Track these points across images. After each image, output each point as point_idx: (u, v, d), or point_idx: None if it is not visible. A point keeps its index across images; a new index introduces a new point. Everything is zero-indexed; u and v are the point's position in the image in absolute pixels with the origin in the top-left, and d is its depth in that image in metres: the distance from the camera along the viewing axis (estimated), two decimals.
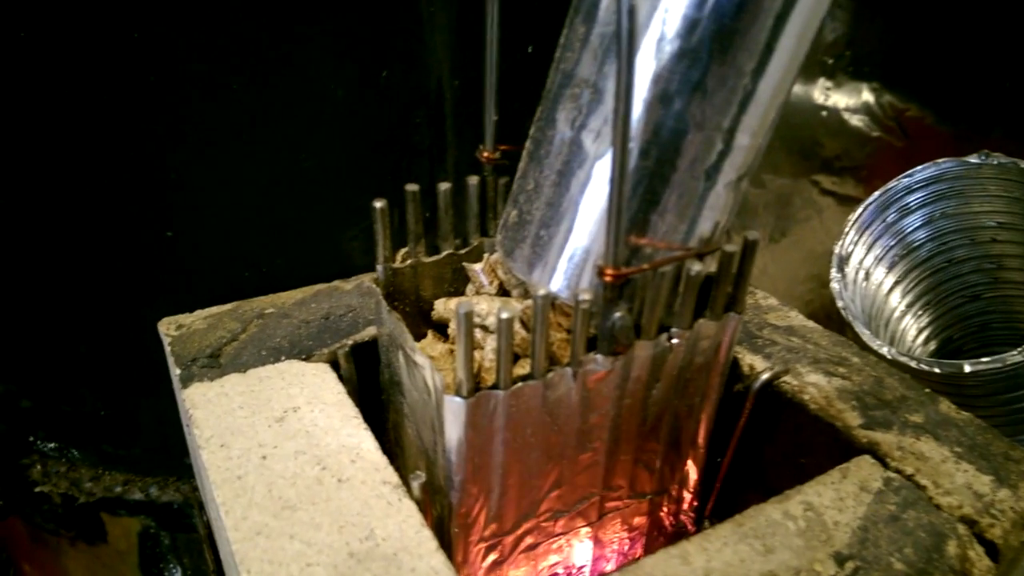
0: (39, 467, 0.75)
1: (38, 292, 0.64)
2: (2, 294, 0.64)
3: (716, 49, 0.40)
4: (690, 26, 0.40)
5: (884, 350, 0.84)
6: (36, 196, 0.59)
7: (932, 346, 1.16)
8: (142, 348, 0.66)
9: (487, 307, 0.51)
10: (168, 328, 0.57)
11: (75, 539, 0.82)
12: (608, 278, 0.42)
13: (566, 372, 0.45)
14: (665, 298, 0.46)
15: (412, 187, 0.50)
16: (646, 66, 0.41)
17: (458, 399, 0.42)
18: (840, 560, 0.43)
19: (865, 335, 0.86)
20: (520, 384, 0.43)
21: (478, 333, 0.52)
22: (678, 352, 0.49)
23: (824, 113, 1.58)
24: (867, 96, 1.63)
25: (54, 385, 0.70)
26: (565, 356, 0.48)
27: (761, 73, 0.42)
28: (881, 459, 0.51)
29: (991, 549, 0.46)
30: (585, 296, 0.42)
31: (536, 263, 0.48)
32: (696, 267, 0.45)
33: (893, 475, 0.50)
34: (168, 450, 0.73)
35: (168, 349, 0.55)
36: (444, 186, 0.52)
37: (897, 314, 1.07)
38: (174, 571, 0.82)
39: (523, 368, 0.45)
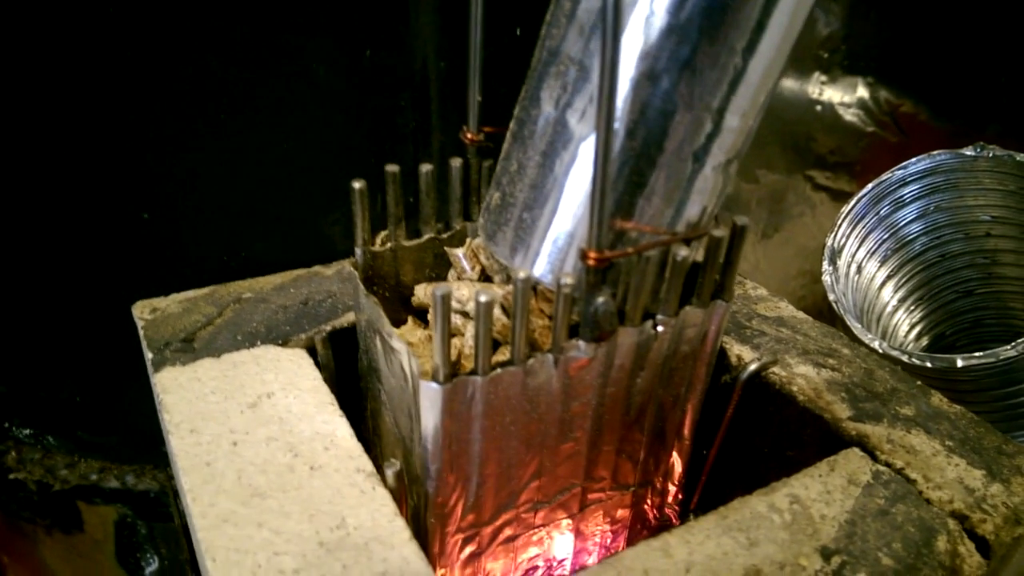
0: (14, 454, 0.73)
1: (11, 276, 0.62)
2: None
3: (706, 26, 0.39)
4: (679, 1, 0.38)
5: (875, 344, 0.82)
6: (12, 176, 0.57)
7: (924, 342, 1.14)
8: (118, 333, 0.64)
9: (468, 293, 0.50)
10: (142, 312, 0.56)
11: (51, 528, 0.80)
12: (591, 262, 0.41)
13: (547, 359, 0.44)
14: (650, 284, 0.44)
15: (392, 168, 0.49)
16: (633, 43, 0.39)
17: (434, 385, 0.40)
18: (826, 554, 0.42)
19: (856, 329, 0.85)
20: (499, 370, 0.42)
21: (458, 320, 0.50)
22: (663, 340, 0.48)
23: (819, 108, 1.57)
24: (862, 91, 1.62)
25: (29, 371, 0.68)
26: (547, 344, 0.46)
27: (752, 52, 0.40)
28: (870, 452, 0.50)
29: (982, 545, 0.45)
30: (567, 280, 0.41)
31: (519, 247, 0.46)
32: (683, 252, 0.44)
33: (882, 468, 0.48)
34: (145, 438, 0.71)
35: (141, 333, 0.54)
36: (426, 167, 0.51)
37: (889, 309, 1.06)
38: (151, 561, 0.81)
39: (504, 355, 0.44)
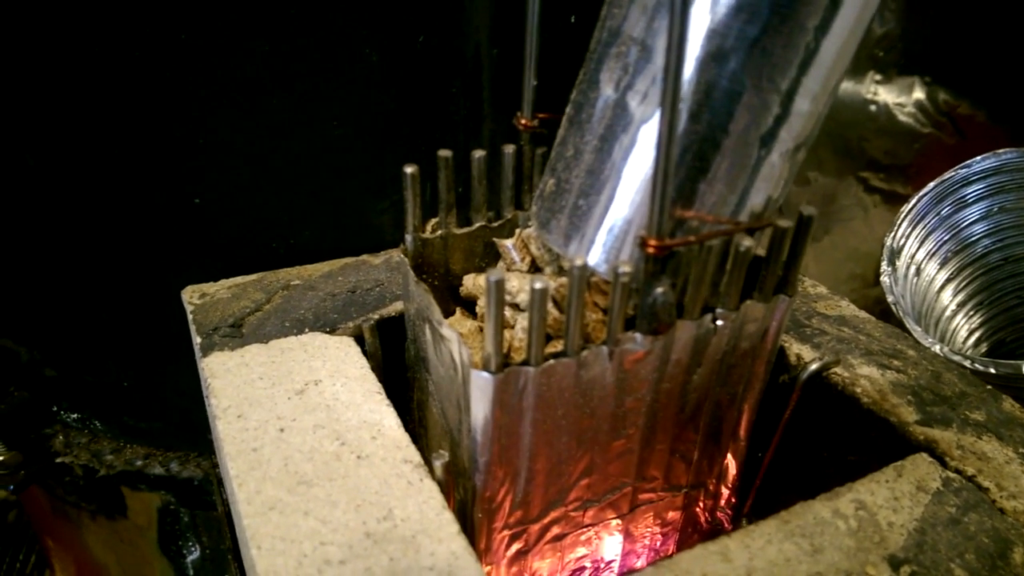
0: (61, 437, 0.74)
1: (63, 259, 0.63)
2: (27, 262, 0.63)
3: (777, 3, 0.37)
4: None
5: (936, 348, 0.79)
6: (63, 159, 0.58)
7: (983, 348, 1.10)
8: (167, 318, 0.64)
9: (518, 284, 0.48)
10: (191, 296, 0.56)
11: (95, 513, 0.81)
12: (651, 250, 0.39)
13: (601, 351, 0.42)
14: (711, 275, 0.42)
15: (445, 153, 0.48)
16: (700, 20, 0.38)
17: (486, 374, 0.39)
18: (895, 564, 0.40)
19: (916, 332, 0.82)
20: (552, 361, 0.41)
21: (508, 311, 0.49)
22: (722, 335, 0.46)
23: (873, 108, 1.53)
24: (918, 91, 1.58)
25: (78, 354, 0.69)
26: (599, 340, 0.45)
27: (825, 31, 0.38)
28: (939, 458, 0.47)
29: None
30: (625, 268, 0.39)
31: (573, 235, 0.45)
32: (746, 242, 0.42)
33: (952, 475, 0.46)
34: (190, 425, 0.71)
35: (190, 318, 0.54)
36: (479, 153, 0.49)
37: (948, 313, 1.02)
38: (193, 549, 0.81)
39: (555, 348, 0.43)
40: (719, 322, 0.45)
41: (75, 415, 0.73)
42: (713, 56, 0.38)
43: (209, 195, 0.60)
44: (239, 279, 0.58)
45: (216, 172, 0.59)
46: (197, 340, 0.51)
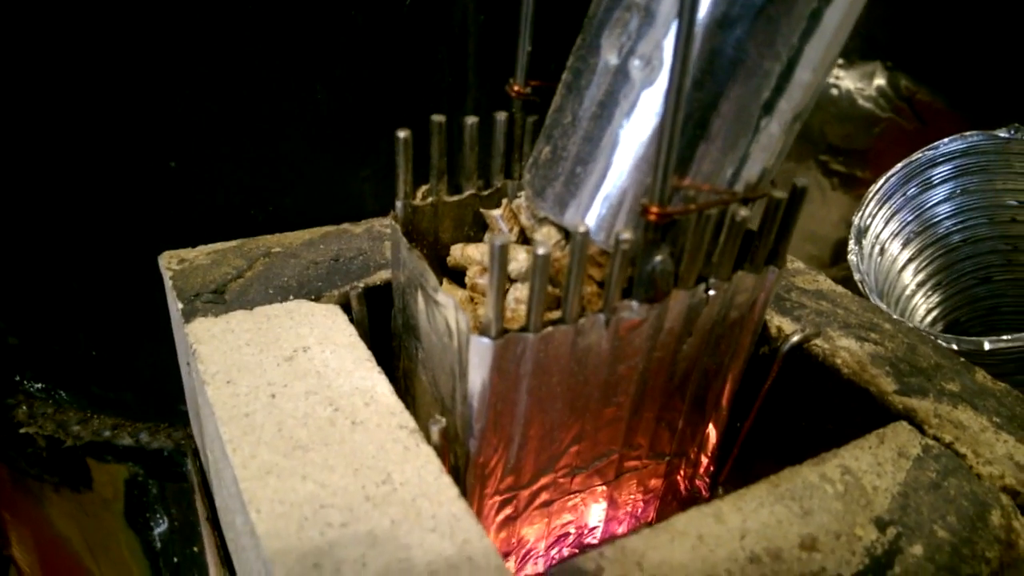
0: (25, 408, 0.71)
1: (28, 223, 0.60)
2: None
3: None
4: None
5: (895, 318, 0.81)
6: (29, 119, 0.55)
7: (939, 327, 1.14)
8: (139, 285, 0.63)
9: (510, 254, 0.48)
10: (169, 262, 0.54)
11: (59, 485, 0.79)
12: (653, 217, 0.39)
13: (599, 318, 0.42)
14: (707, 245, 0.43)
15: (438, 118, 0.47)
16: None
17: (486, 340, 0.39)
18: (881, 525, 0.41)
19: (883, 309, 0.84)
20: (551, 328, 0.41)
21: None
22: (713, 305, 0.46)
23: (834, 92, 1.55)
24: (879, 78, 1.60)
25: (44, 323, 0.67)
26: (593, 310, 0.45)
27: (829, 1, 0.38)
28: (918, 426, 0.49)
29: None
30: (627, 236, 0.39)
31: (569, 202, 0.45)
32: (743, 212, 0.42)
33: (931, 442, 0.47)
34: (161, 395, 0.70)
35: (169, 283, 0.52)
36: (471, 120, 0.49)
37: (908, 292, 1.05)
38: (161, 521, 0.79)
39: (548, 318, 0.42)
40: (711, 292, 0.46)
41: (39, 385, 0.71)
42: (719, 23, 0.38)
43: (185, 159, 0.58)
44: (218, 245, 0.57)
45: (193, 135, 0.57)
46: (178, 306, 0.50)
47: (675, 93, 0.36)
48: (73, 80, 0.54)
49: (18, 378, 0.71)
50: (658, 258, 0.41)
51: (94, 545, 0.83)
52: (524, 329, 0.40)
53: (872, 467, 0.45)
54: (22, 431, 0.70)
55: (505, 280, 0.38)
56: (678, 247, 0.43)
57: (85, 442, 0.70)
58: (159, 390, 0.70)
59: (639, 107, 0.41)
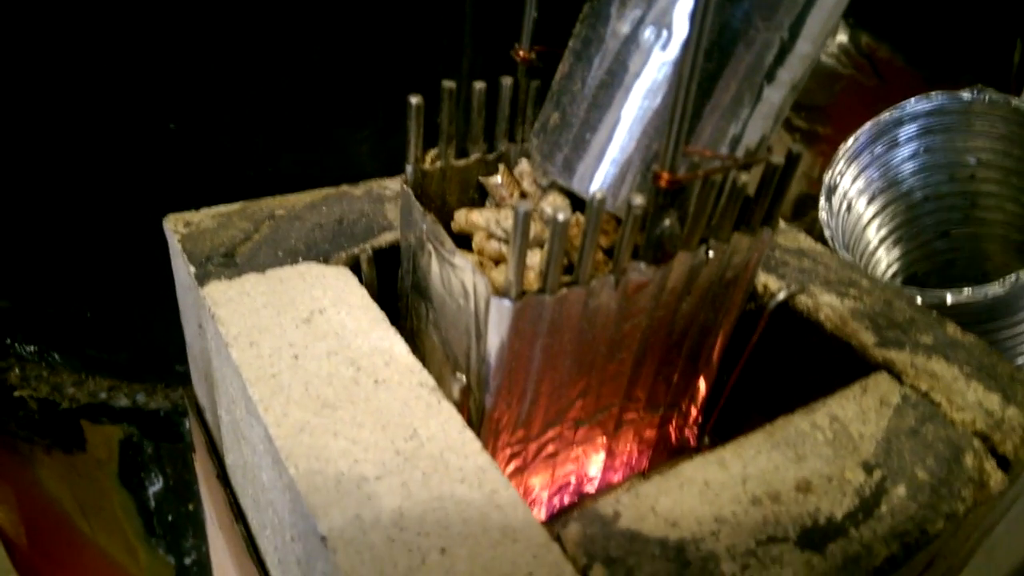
0: (17, 371, 0.71)
1: (18, 183, 0.60)
2: None
3: None
4: None
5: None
6: (23, 78, 0.55)
7: (899, 280, 1.19)
8: (135, 247, 0.63)
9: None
10: (176, 225, 0.55)
11: (51, 447, 0.79)
12: (664, 183, 0.41)
13: (608, 279, 0.44)
14: (710, 208, 0.45)
15: (449, 84, 0.48)
16: None
17: (507, 302, 0.41)
18: (868, 468, 0.44)
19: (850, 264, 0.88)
20: (565, 290, 0.43)
21: (498, 246, 0.51)
22: (712, 266, 0.49)
23: None
24: (841, 35, 1.63)
25: (37, 285, 0.66)
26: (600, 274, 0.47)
27: None
28: (897, 376, 0.52)
29: (1003, 462, 0.48)
30: (638, 201, 0.41)
31: (577, 167, 0.47)
32: (743, 178, 0.45)
33: (909, 391, 0.51)
34: (157, 356, 0.70)
35: (178, 247, 0.53)
36: (479, 85, 0.50)
37: (872, 247, 1.10)
38: (156, 481, 0.80)
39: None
40: (711, 253, 0.48)
41: (32, 347, 0.71)
42: None
43: (184, 120, 0.58)
44: (221, 208, 0.57)
45: (192, 97, 0.57)
46: (191, 269, 0.51)
47: (690, 64, 0.37)
48: (70, 42, 0.53)
49: (8, 341, 0.71)
50: (666, 222, 0.43)
51: (86, 505, 0.83)
52: (541, 291, 0.42)
53: (857, 415, 0.48)
54: (16, 394, 0.71)
55: (526, 245, 0.39)
56: (683, 211, 0.45)
57: (82, 404, 0.71)
58: (155, 351, 0.70)
59: (649, 75, 0.43)
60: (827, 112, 1.64)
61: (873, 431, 0.47)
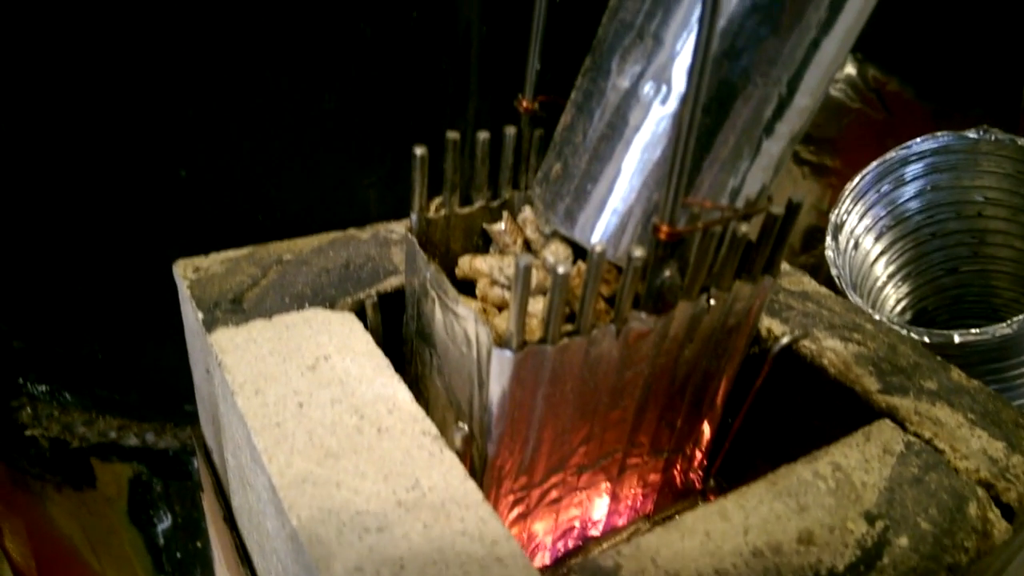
0: (28, 410, 0.72)
1: (33, 227, 0.61)
2: None
3: (789, 4, 0.40)
4: None
5: (876, 318, 0.85)
6: (38, 123, 0.56)
7: (908, 316, 1.19)
8: (145, 290, 0.64)
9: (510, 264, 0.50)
10: (185, 271, 0.56)
11: (61, 484, 0.80)
12: (663, 236, 0.42)
13: (610, 329, 0.45)
14: (711, 259, 0.46)
15: (453, 135, 0.49)
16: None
17: (508, 352, 0.41)
18: (870, 519, 0.44)
19: (858, 303, 0.88)
20: (566, 340, 0.43)
21: (507, 294, 0.51)
22: (714, 313, 0.49)
23: None
24: (849, 68, 1.65)
25: (49, 326, 0.67)
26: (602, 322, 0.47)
27: (828, 31, 0.41)
28: (900, 423, 0.52)
29: (1007, 512, 0.47)
30: (638, 253, 0.42)
31: (579, 217, 0.47)
32: (743, 228, 0.45)
33: (913, 439, 0.51)
34: (166, 395, 0.71)
35: (187, 292, 0.54)
36: (483, 135, 0.51)
37: (880, 283, 1.10)
38: (164, 518, 0.81)
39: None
40: (712, 301, 0.48)
41: (43, 387, 0.72)
42: (726, 54, 0.41)
43: (196, 167, 0.59)
44: (230, 253, 0.58)
45: (204, 144, 0.58)
46: (199, 315, 0.51)
47: (689, 119, 0.38)
48: (85, 88, 0.55)
49: (21, 380, 0.72)
50: (667, 273, 0.44)
51: (96, 541, 0.84)
52: (542, 341, 0.42)
53: (860, 464, 0.48)
54: (27, 433, 0.71)
55: (528, 297, 0.40)
56: (684, 261, 0.46)
57: (92, 443, 0.71)
58: (164, 390, 0.71)
59: (649, 129, 0.44)
60: (835, 144, 1.65)
61: (876, 480, 0.47)
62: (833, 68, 0.44)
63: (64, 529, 0.87)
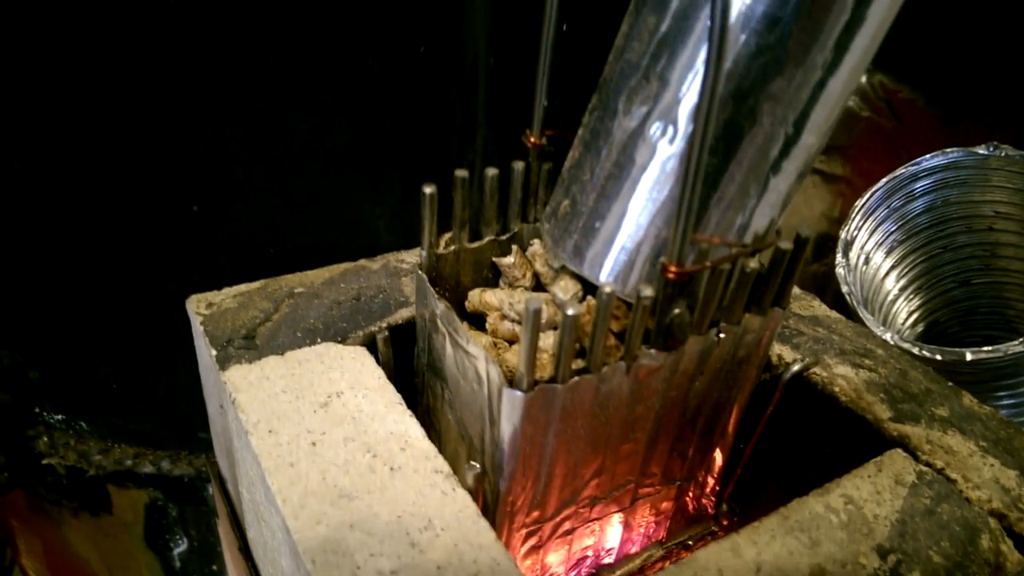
0: (45, 439, 0.73)
1: (49, 260, 0.62)
2: (12, 262, 0.62)
3: (795, 47, 0.40)
4: (770, 23, 0.39)
5: (887, 336, 0.85)
6: (54, 162, 0.57)
7: (920, 328, 1.18)
8: (158, 321, 0.65)
9: (521, 300, 0.51)
10: (198, 306, 0.56)
11: (78, 510, 0.81)
12: (672, 275, 0.42)
13: (620, 366, 0.45)
14: (720, 295, 0.46)
15: (462, 173, 0.49)
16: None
17: (518, 393, 0.42)
18: (883, 553, 0.44)
19: (869, 321, 0.88)
20: (577, 378, 0.43)
21: (512, 327, 0.52)
22: (724, 346, 0.50)
23: None
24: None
25: (65, 357, 0.68)
26: (613, 359, 0.48)
27: (833, 71, 0.41)
28: (912, 452, 0.52)
29: (1020, 542, 0.47)
30: (647, 292, 0.42)
31: (587, 253, 0.48)
32: (752, 264, 0.45)
33: (925, 469, 0.51)
34: (180, 423, 0.72)
35: (200, 329, 0.54)
36: (492, 171, 0.51)
37: (891, 297, 1.09)
38: (180, 543, 0.82)
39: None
40: (722, 335, 0.49)
41: (59, 416, 0.73)
42: (732, 95, 0.41)
43: (207, 201, 0.60)
44: (243, 287, 0.59)
45: (215, 178, 0.59)
46: (212, 352, 0.52)
47: (696, 159, 0.39)
48: (102, 128, 0.55)
49: (38, 410, 0.73)
50: (676, 311, 0.44)
51: (113, 566, 0.85)
52: (552, 380, 0.43)
53: (872, 496, 0.48)
54: (44, 462, 0.72)
55: (537, 339, 0.40)
56: (693, 298, 0.46)
57: (109, 472, 0.72)
58: (178, 419, 0.72)
59: (657, 170, 0.44)
60: (846, 153, 1.65)
61: (888, 512, 0.47)
62: (840, 106, 0.44)
63: (82, 553, 0.88)
